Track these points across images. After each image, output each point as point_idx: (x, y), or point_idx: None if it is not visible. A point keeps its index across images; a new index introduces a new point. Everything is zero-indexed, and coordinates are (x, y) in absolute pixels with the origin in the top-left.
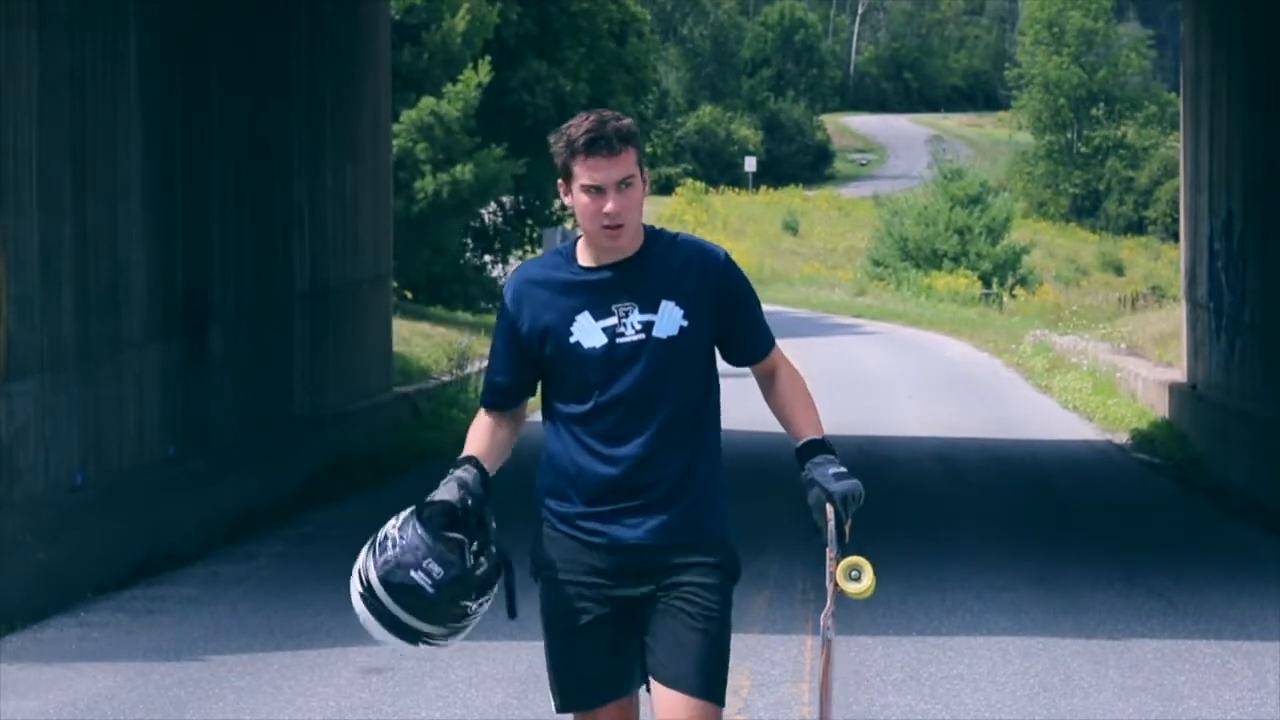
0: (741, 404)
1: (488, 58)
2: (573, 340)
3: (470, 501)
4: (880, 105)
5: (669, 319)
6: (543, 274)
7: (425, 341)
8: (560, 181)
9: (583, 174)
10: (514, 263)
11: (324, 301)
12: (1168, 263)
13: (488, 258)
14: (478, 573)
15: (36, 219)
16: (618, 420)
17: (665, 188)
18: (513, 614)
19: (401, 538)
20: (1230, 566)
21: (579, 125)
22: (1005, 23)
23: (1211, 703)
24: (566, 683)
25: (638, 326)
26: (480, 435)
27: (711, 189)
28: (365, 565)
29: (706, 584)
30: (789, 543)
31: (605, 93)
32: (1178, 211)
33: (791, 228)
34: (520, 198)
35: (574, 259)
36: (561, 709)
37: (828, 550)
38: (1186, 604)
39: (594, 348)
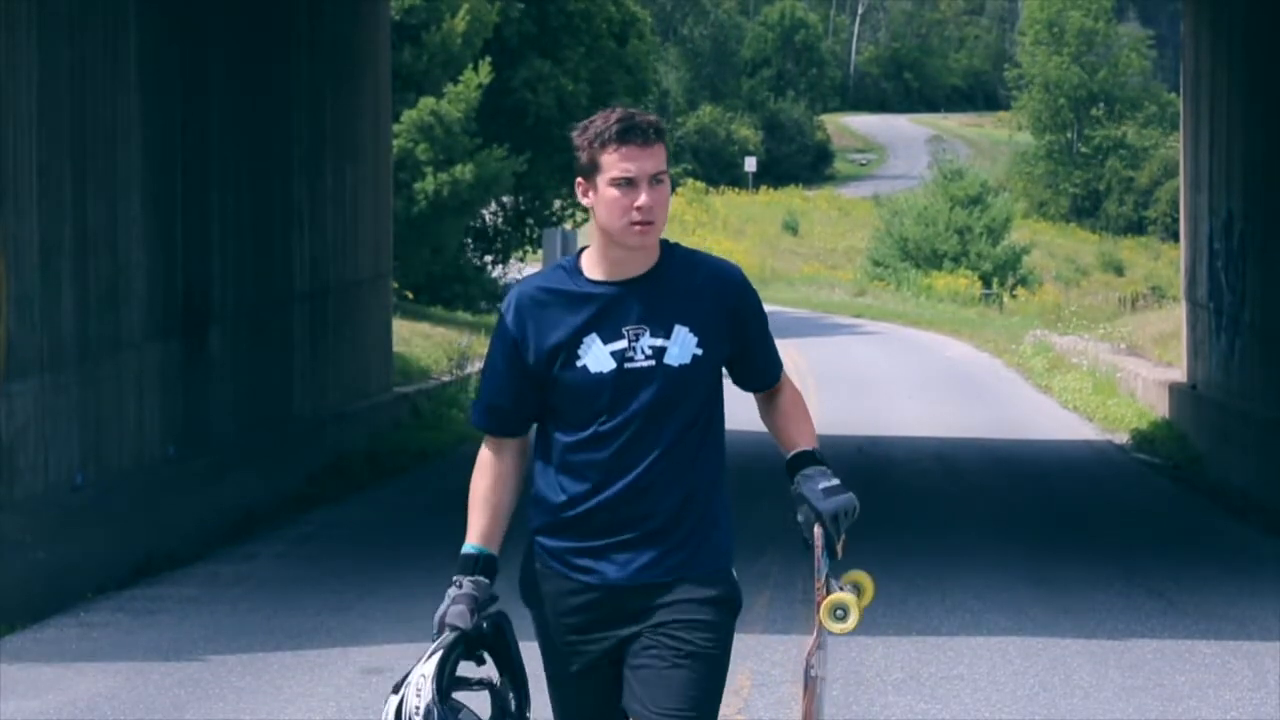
0: (743, 402)
1: (488, 58)
2: (579, 364)
3: (485, 625)
4: (880, 105)
5: (682, 345)
6: (547, 289)
7: (425, 342)
8: (580, 181)
9: (613, 165)
10: (514, 263)
11: (324, 301)
12: (1168, 263)
13: (488, 258)
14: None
15: (36, 219)
16: (619, 449)
17: None
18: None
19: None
20: (1230, 566)
21: (607, 117)
22: (1005, 23)
23: (1211, 702)
24: None
25: (648, 352)
26: (484, 491)
27: (711, 189)
28: None
29: (697, 620)
30: (789, 543)
31: (606, 93)
32: (1178, 211)
33: (791, 228)
34: (520, 198)
35: (580, 272)
36: None
37: (815, 579)
38: (1186, 604)
39: (601, 373)
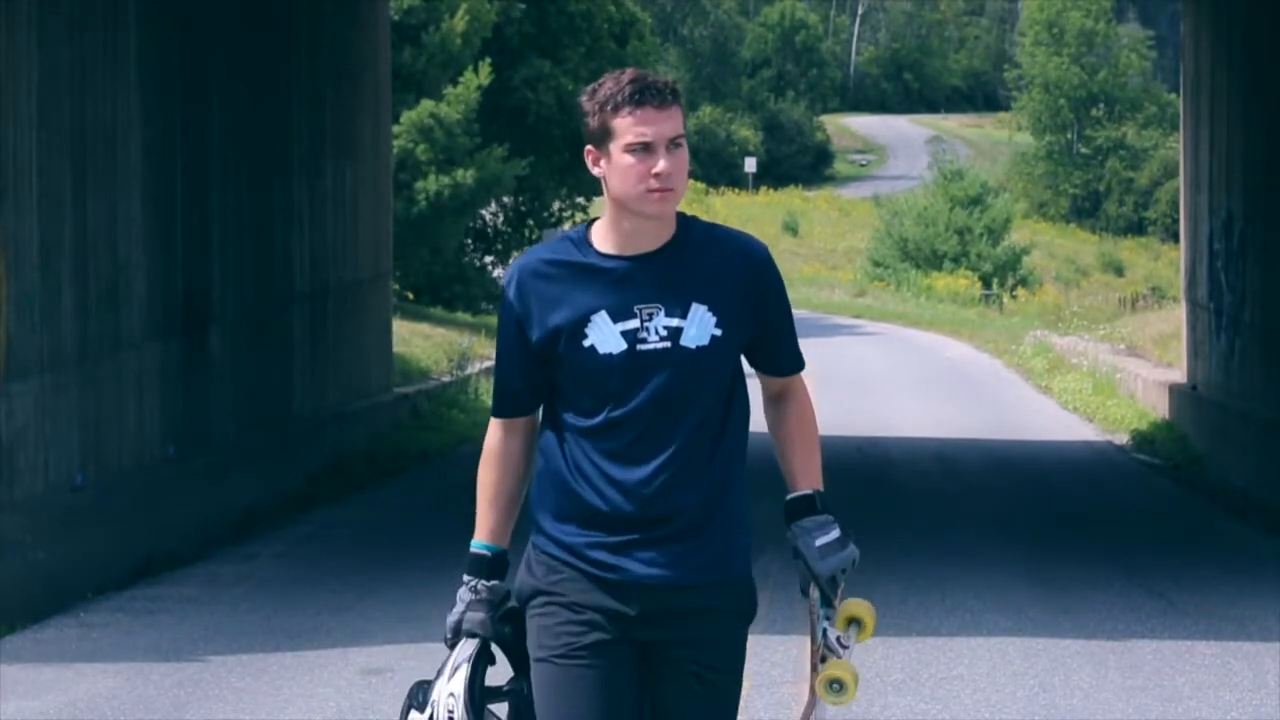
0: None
1: (488, 59)
2: (586, 344)
3: (507, 630)
4: (880, 106)
5: (700, 326)
6: (551, 261)
7: (425, 342)
8: (590, 149)
9: (627, 130)
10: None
11: (324, 302)
12: (1168, 263)
13: (488, 258)
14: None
15: (36, 219)
16: (633, 438)
17: None
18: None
19: None
20: (1230, 567)
21: (618, 79)
22: (1005, 23)
23: (1211, 703)
24: None
25: (662, 332)
26: (494, 484)
27: (712, 189)
28: None
29: (725, 639)
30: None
31: None
32: (1178, 212)
33: (791, 228)
34: (520, 198)
35: (589, 244)
36: None
37: (810, 641)
38: (1186, 604)
39: (610, 354)
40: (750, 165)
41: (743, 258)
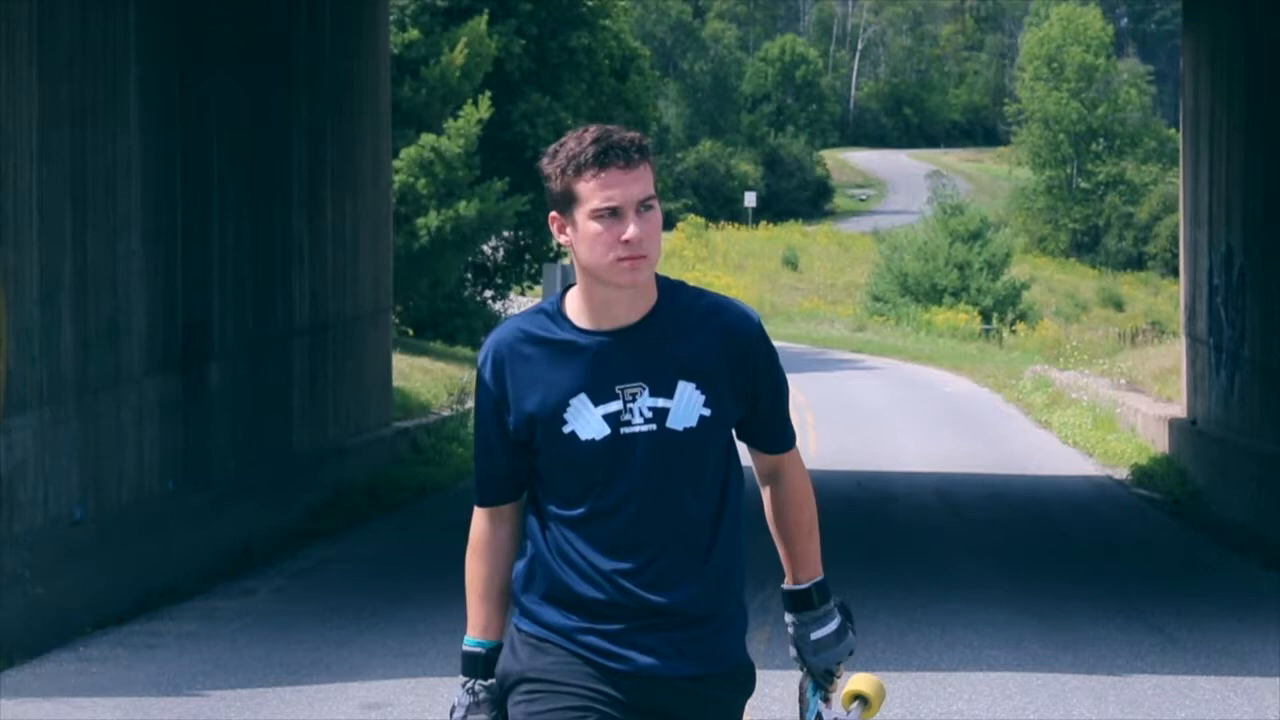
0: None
1: (488, 92)
2: (566, 430)
3: None
4: (880, 141)
5: (687, 406)
6: (526, 339)
7: (425, 376)
8: (553, 216)
9: (592, 195)
10: (514, 297)
11: (324, 336)
12: (1168, 298)
13: (488, 292)
14: None
15: (37, 254)
16: (620, 527)
17: (665, 223)
18: None
19: None
20: (1230, 602)
21: (580, 138)
22: (1005, 58)
23: None
24: None
25: (647, 414)
26: (484, 577)
27: (711, 224)
28: None
29: (724, 716)
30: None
31: None
32: (1177, 247)
33: (791, 263)
34: (520, 233)
35: (564, 316)
36: None
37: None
38: (1186, 639)
39: (592, 440)
40: (750, 200)
41: (732, 332)
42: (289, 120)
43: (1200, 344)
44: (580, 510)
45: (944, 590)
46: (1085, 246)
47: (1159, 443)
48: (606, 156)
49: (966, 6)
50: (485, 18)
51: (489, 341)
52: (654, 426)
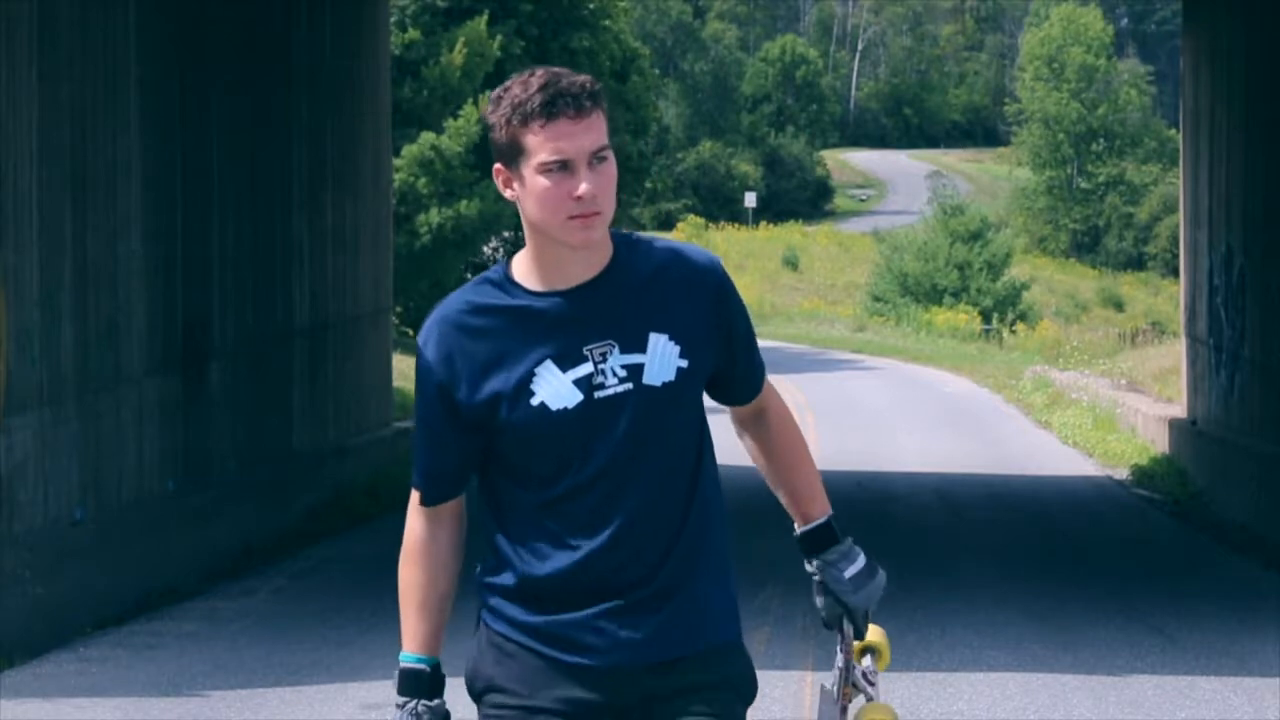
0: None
1: (489, 93)
2: (535, 402)
3: None
4: (880, 141)
5: (663, 359)
6: (474, 310)
7: None
8: (498, 169)
9: (540, 148)
10: None
11: (324, 336)
12: (1168, 298)
13: None
14: None
15: (37, 254)
16: (596, 502)
17: (665, 223)
18: None
19: None
20: (1230, 602)
21: (526, 83)
22: (1005, 59)
23: None
24: None
25: (621, 373)
26: (422, 585)
27: (711, 224)
28: None
29: (707, 714)
30: (789, 577)
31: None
32: (1177, 247)
33: (792, 263)
34: (519, 233)
35: (513, 282)
36: None
37: (841, 682)
38: (1186, 640)
39: (565, 409)
40: (750, 200)
41: (697, 275)
42: (289, 120)
43: (1200, 344)
44: (556, 490)
45: (944, 590)
46: (1085, 247)
47: (1159, 443)
48: (555, 105)
49: (966, 6)
50: (485, 18)
51: (431, 320)
52: (630, 385)
